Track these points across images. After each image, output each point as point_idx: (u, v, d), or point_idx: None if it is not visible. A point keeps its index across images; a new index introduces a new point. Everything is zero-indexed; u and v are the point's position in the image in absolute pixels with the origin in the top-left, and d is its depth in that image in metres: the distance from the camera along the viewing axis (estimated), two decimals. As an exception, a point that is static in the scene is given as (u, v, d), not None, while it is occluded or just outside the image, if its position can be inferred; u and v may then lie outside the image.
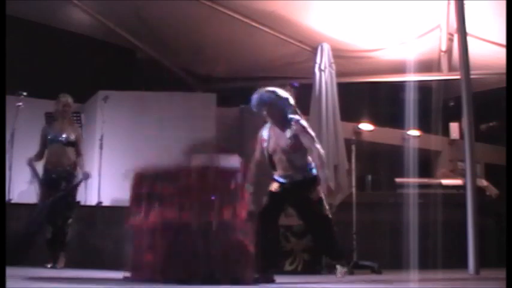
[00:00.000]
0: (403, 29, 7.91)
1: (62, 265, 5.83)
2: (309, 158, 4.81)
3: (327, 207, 4.89)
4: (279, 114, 4.76)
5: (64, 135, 5.96)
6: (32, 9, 8.35)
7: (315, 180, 4.77)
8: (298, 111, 4.95)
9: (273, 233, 4.80)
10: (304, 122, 4.83)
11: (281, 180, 4.79)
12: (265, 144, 4.81)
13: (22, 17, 8.46)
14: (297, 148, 4.74)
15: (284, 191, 4.76)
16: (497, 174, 8.86)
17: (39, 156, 6.14)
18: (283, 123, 4.77)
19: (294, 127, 4.73)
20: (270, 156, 4.79)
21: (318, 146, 4.80)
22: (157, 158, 8.50)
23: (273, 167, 4.81)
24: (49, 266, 5.76)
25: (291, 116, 4.79)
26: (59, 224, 5.86)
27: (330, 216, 4.93)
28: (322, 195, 4.81)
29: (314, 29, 7.92)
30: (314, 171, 4.79)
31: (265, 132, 4.86)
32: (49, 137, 6.02)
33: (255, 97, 4.79)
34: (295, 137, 4.72)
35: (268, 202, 4.75)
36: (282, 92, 4.81)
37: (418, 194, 7.92)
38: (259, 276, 4.39)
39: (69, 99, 6.17)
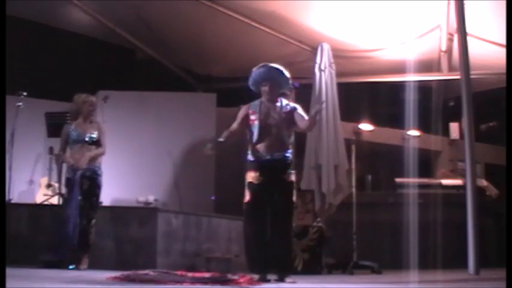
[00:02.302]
0: (403, 29, 7.91)
1: (86, 266, 5.72)
2: (289, 143, 4.88)
3: (295, 194, 4.87)
4: (278, 91, 4.88)
5: (88, 135, 5.93)
6: (32, 9, 8.35)
7: (290, 163, 4.84)
8: (293, 91, 5.07)
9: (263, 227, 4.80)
10: (299, 106, 4.94)
11: (260, 156, 4.79)
12: (254, 117, 4.85)
13: (22, 17, 8.46)
14: (287, 125, 4.83)
15: (263, 171, 4.74)
16: (497, 174, 8.87)
17: (60, 156, 6.10)
18: (276, 100, 4.88)
19: (289, 107, 4.85)
20: (261, 129, 4.81)
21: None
22: (157, 158, 8.58)
23: (257, 141, 4.82)
24: (71, 267, 5.68)
25: (283, 96, 4.94)
26: (83, 225, 5.80)
27: (295, 205, 4.91)
28: (294, 181, 4.82)
29: (314, 29, 7.92)
30: (290, 156, 4.85)
31: (254, 107, 4.92)
32: (72, 137, 5.97)
33: (260, 71, 4.88)
34: (289, 114, 4.82)
35: (252, 195, 4.74)
36: (285, 71, 4.88)
37: (418, 194, 7.93)
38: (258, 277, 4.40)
39: (94, 99, 6.15)
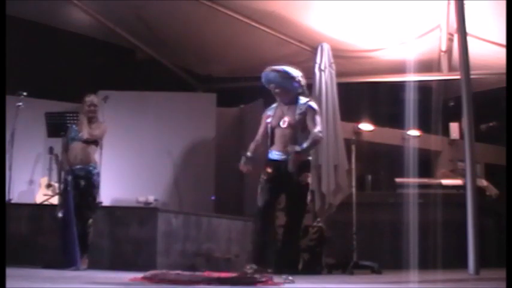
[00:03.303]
0: (403, 29, 7.91)
1: (85, 266, 5.72)
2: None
3: (309, 197, 4.86)
4: (286, 93, 4.84)
5: (82, 134, 5.91)
6: (32, 9, 8.35)
7: (307, 164, 4.80)
8: (306, 91, 5.01)
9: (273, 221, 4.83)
10: (314, 105, 4.88)
11: (277, 155, 4.76)
12: (269, 120, 4.84)
13: (22, 17, 8.45)
14: (302, 127, 4.79)
15: (278, 170, 4.72)
16: (497, 174, 8.87)
17: (60, 156, 6.12)
18: (291, 100, 4.82)
19: (304, 107, 4.79)
20: (272, 130, 4.83)
21: (319, 128, 4.82)
22: (157, 158, 8.58)
23: (272, 142, 4.84)
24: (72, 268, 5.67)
25: (300, 95, 4.88)
26: (81, 225, 5.79)
27: (307, 205, 4.89)
28: (309, 183, 4.79)
29: (314, 29, 7.92)
30: (308, 158, 4.82)
31: (271, 110, 4.96)
32: (71, 136, 5.97)
33: (263, 74, 4.94)
34: (303, 115, 4.78)
35: (262, 190, 4.73)
36: (291, 71, 4.88)
37: (418, 194, 7.93)
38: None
39: (95, 99, 6.14)
